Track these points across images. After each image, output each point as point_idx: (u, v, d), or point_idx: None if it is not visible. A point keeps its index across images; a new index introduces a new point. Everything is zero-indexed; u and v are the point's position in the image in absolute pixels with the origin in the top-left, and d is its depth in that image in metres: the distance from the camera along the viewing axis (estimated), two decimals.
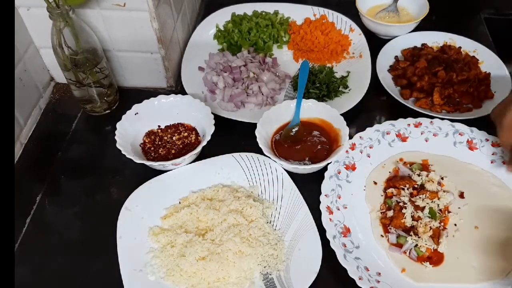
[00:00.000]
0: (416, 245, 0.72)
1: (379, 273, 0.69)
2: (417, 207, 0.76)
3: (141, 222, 0.75)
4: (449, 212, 0.77)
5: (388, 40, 1.03)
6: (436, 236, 0.73)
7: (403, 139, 0.85)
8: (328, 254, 0.70)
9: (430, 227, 0.73)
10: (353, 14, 1.07)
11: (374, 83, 0.94)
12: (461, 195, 0.78)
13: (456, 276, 0.70)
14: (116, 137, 0.79)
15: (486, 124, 0.84)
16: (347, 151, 0.82)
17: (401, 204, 0.77)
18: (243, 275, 0.68)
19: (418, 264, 0.71)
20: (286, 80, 0.98)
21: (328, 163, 0.79)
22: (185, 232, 0.73)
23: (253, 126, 0.81)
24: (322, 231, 0.72)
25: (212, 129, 0.80)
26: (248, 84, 0.93)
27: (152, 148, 0.84)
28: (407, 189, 0.79)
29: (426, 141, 0.85)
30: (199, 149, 0.79)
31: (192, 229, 0.74)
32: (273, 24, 1.06)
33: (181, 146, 0.84)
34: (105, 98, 0.92)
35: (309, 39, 1.04)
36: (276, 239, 0.72)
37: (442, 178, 0.80)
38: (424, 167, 0.82)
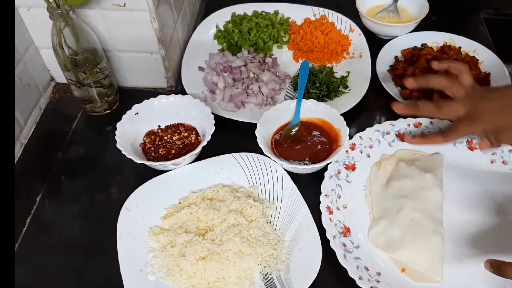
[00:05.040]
0: None
1: (379, 273, 0.69)
2: None
3: (141, 222, 0.75)
4: None
5: (388, 40, 1.03)
6: None
7: (403, 139, 0.84)
8: (328, 254, 0.70)
9: None
10: (353, 14, 1.07)
11: (374, 83, 0.94)
12: None
13: None
14: (116, 137, 0.79)
15: None
16: (347, 151, 0.82)
17: None
18: (243, 275, 0.68)
19: None
20: (286, 80, 0.98)
21: (328, 163, 0.79)
22: (185, 232, 0.73)
23: (253, 126, 0.81)
24: (322, 231, 0.72)
25: (212, 129, 0.80)
26: (248, 84, 0.93)
27: (152, 148, 0.84)
28: None
29: None
30: (199, 149, 0.79)
31: (192, 229, 0.74)
32: (273, 24, 1.06)
33: (181, 146, 0.84)
34: (105, 98, 0.92)
35: (309, 39, 1.04)
36: (276, 239, 0.72)
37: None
38: None
